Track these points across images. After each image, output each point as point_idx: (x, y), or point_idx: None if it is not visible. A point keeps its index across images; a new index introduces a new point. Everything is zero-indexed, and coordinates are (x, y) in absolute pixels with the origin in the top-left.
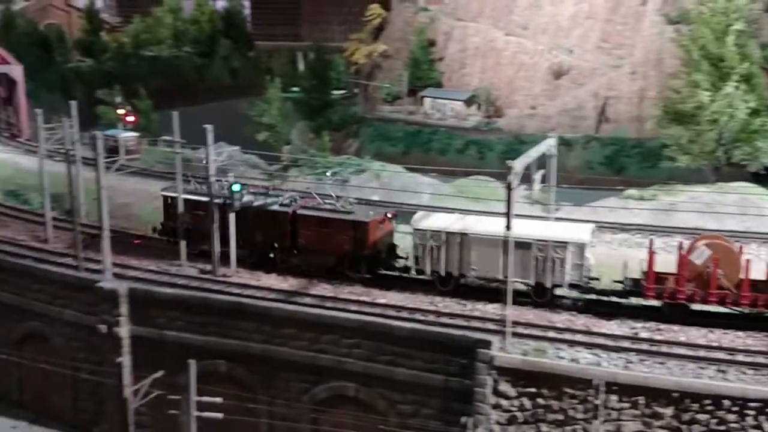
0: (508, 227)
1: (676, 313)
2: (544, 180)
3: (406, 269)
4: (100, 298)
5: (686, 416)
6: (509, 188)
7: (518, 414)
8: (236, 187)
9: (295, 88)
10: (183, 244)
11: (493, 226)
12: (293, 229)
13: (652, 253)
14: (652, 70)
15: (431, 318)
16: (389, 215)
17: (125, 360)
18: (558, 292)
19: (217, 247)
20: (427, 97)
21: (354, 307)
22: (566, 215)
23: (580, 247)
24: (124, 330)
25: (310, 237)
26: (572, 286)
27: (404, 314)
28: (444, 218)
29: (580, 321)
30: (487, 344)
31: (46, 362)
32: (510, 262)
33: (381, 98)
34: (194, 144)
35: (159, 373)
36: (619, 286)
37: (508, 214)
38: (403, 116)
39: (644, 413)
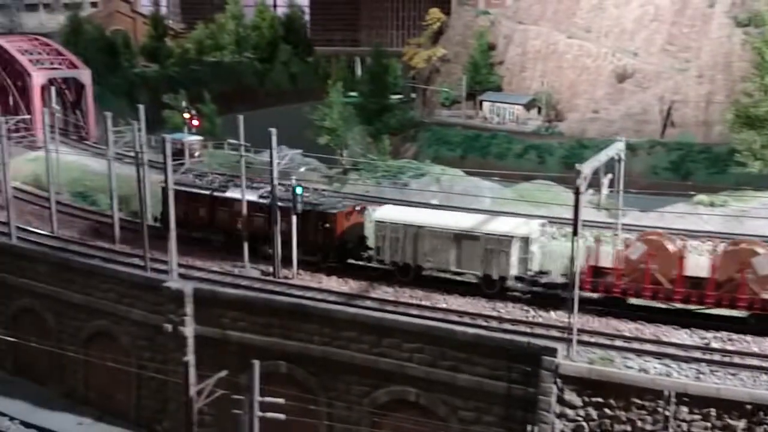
0: (575, 233)
1: (614, 306)
2: (611, 185)
3: (370, 259)
4: (166, 297)
5: (760, 429)
6: (577, 193)
7: (584, 424)
8: (299, 190)
9: (352, 93)
10: (246, 245)
11: (447, 220)
12: (268, 220)
13: (595, 247)
14: (720, 73)
15: (494, 324)
16: (358, 208)
17: (191, 359)
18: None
19: (246, 248)
20: (486, 101)
21: (415, 311)
22: (633, 221)
23: (525, 242)
24: (188, 329)
25: (284, 229)
26: (518, 278)
27: (466, 319)
28: (405, 211)
29: (649, 330)
30: (552, 352)
31: (113, 360)
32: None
33: (439, 102)
34: (255, 147)
35: (223, 373)
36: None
37: (575, 219)
38: (462, 120)
39: (715, 426)
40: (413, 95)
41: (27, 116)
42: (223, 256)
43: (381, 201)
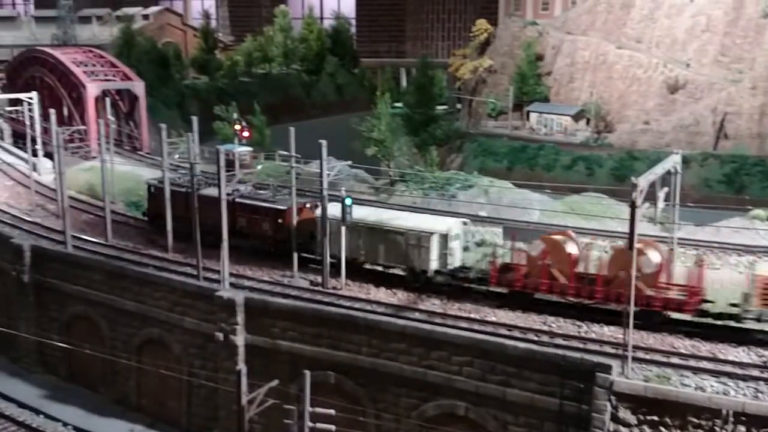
0: (630, 247)
1: (520, 300)
2: (667, 198)
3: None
4: (218, 306)
5: None
6: (633, 206)
7: None
8: (348, 201)
9: (398, 104)
10: (295, 255)
11: (380, 216)
12: (232, 214)
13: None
14: None
15: (545, 339)
16: (308, 205)
17: (243, 368)
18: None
19: (296, 258)
20: (534, 111)
21: (464, 324)
22: (688, 236)
23: (444, 237)
24: (239, 338)
25: (245, 222)
26: (437, 272)
27: (516, 333)
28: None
29: (705, 347)
30: (606, 368)
31: (164, 368)
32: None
33: (485, 113)
34: (303, 158)
35: (274, 382)
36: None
37: (631, 233)
38: (508, 131)
39: None
40: (458, 106)
41: (82, 127)
42: (272, 266)
43: (429, 212)
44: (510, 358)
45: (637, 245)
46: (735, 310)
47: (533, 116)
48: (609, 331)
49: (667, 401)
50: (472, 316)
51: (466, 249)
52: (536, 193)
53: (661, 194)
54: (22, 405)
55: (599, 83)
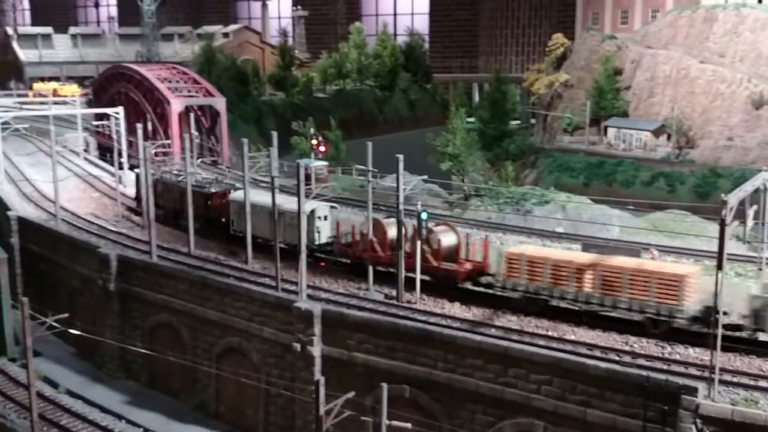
0: (719, 266)
1: (357, 269)
2: (755, 216)
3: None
4: (296, 317)
5: None
6: (723, 224)
7: None
8: (424, 216)
9: (470, 119)
10: (371, 269)
11: (269, 200)
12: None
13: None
14: None
15: (627, 359)
16: (231, 191)
17: (321, 379)
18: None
19: (371, 271)
20: (612, 126)
21: (542, 342)
22: None
23: (311, 217)
24: (316, 349)
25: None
26: (308, 247)
27: (596, 353)
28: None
29: None
30: (692, 391)
31: (243, 376)
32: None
33: (561, 128)
34: (377, 172)
35: (351, 394)
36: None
37: (720, 252)
38: (585, 147)
39: None
40: (533, 121)
41: (166, 141)
42: (348, 278)
43: (504, 228)
44: (591, 377)
45: (434, 228)
46: (491, 280)
47: (611, 131)
48: (694, 353)
49: (756, 425)
50: (551, 333)
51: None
52: (616, 210)
53: (751, 212)
54: (104, 410)
55: (680, 98)
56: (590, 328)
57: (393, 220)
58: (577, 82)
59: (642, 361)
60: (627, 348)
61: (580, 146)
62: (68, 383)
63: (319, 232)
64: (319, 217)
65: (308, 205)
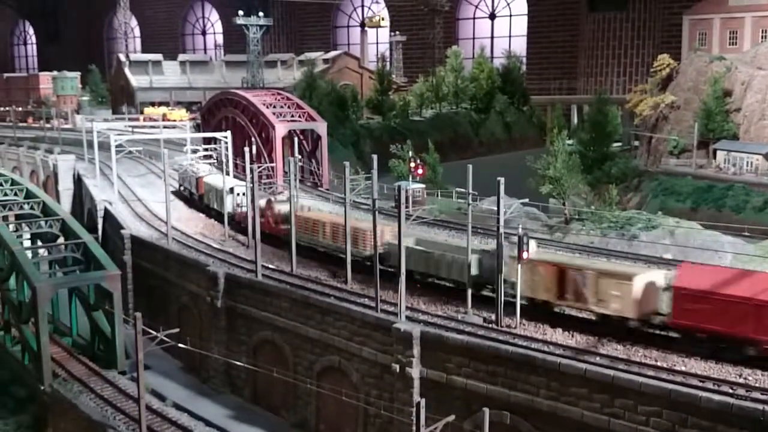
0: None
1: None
2: None
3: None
4: (395, 338)
5: None
6: None
7: None
8: (526, 240)
9: (569, 141)
10: (469, 291)
11: (225, 182)
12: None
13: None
14: None
15: (741, 392)
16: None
17: (422, 401)
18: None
19: (469, 294)
20: (721, 149)
21: (650, 372)
22: None
23: (232, 191)
24: (415, 371)
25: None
26: (230, 214)
27: (708, 385)
28: (218, 177)
29: None
30: None
31: (343, 395)
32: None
33: (666, 151)
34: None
35: (451, 417)
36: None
37: None
38: (692, 170)
39: None
40: (635, 143)
41: (271, 164)
42: (445, 301)
43: (606, 253)
44: (703, 411)
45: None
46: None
47: (720, 154)
48: None
49: None
50: (660, 364)
51: None
52: (728, 236)
53: None
54: (209, 423)
55: None
56: (702, 359)
57: (283, 199)
58: (684, 103)
59: (757, 395)
60: (741, 380)
61: (688, 169)
62: (175, 396)
63: (241, 205)
64: (238, 194)
65: (230, 183)
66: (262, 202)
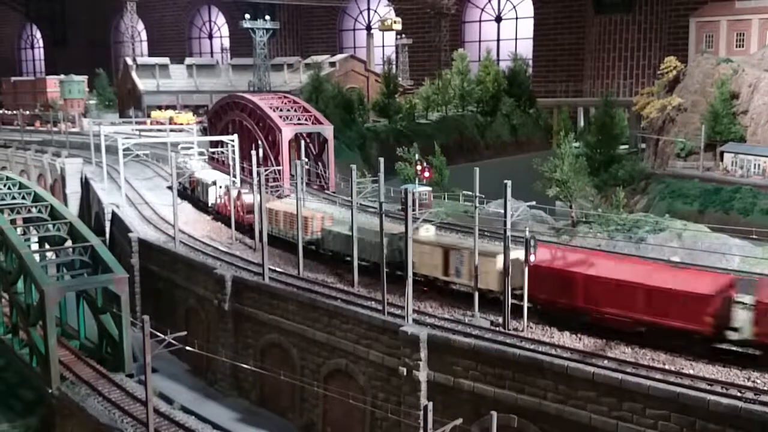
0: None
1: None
2: None
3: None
4: (402, 341)
5: None
6: None
7: None
8: (533, 242)
9: (576, 144)
10: (476, 295)
11: (210, 176)
12: None
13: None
14: None
15: (749, 395)
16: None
17: (429, 404)
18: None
19: (476, 297)
20: (728, 152)
21: (658, 376)
22: None
23: (214, 183)
24: (422, 374)
25: None
26: (213, 204)
27: (717, 388)
28: (207, 172)
29: None
30: None
31: (350, 398)
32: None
33: (673, 153)
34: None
35: (458, 421)
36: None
37: None
38: (699, 173)
39: None
40: (642, 146)
41: (277, 167)
42: (452, 304)
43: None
44: (711, 414)
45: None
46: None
47: (727, 157)
48: None
49: None
50: (668, 367)
51: None
52: (735, 239)
53: None
54: (216, 426)
55: None
56: (710, 362)
57: (248, 190)
58: (690, 106)
59: (766, 398)
60: (749, 384)
61: (695, 172)
62: (182, 399)
63: (220, 196)
64: (220, 186)
65: (214, 177)
66: (234, 193)
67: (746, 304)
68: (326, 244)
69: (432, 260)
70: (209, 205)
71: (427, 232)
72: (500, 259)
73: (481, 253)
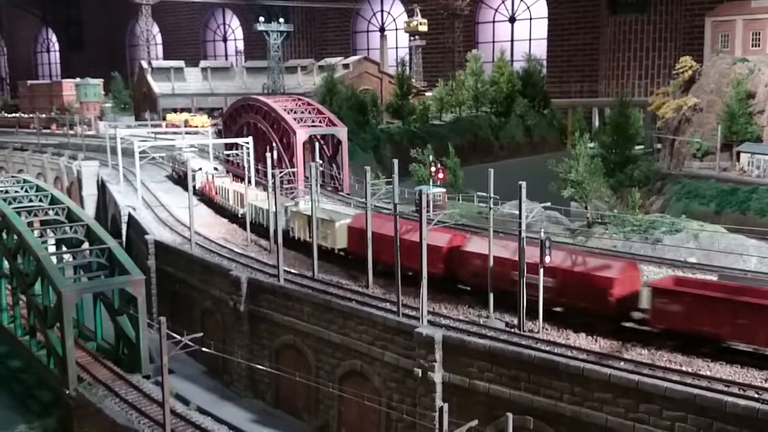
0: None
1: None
2: None
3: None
4: (417, 343)
5: None
6: None
7: None
8: (547, 243)
9: (591, 144)
10: (491, 296)
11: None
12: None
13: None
14: None
15: (766, 396)
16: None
17: (444, 406)
18: None
19: (491, 298)
20: (745, 152)
21: (675, 377)
22: None
23: (198, 170)
24: (437, 375)
25: None
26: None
27: (734, 389)
28: (199, 162)
29: None
30: None
31: (365, 399)
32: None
33: (689, 154)
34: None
35: (474, 422)
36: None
37: None
38: (716, 173)
39: None
40: (658, 146)
41: (292, 169)
42: (468, 304)
43: (629, 257)
44: (729, 415)
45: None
46: None
47: (744, 157)
48: None
49: None
50: (685, 368)
51: None
52: (752, 239)
53: None
54: (232, 427)
55: None
56: (728, 363)
57: (221, 173)
58: (706, 106)
59: None
60: (767, 385)
61: (711, 172)
62: (199, 400)
63: (202, 181)
64: (205, 173)
65: (201, 164)
66: (210, 177)
67: None
68: (252, 218)
69: (302, 226)
70: (195, 188)
71: (306, 204)
72: (339, 224)
73: (325, 220)
